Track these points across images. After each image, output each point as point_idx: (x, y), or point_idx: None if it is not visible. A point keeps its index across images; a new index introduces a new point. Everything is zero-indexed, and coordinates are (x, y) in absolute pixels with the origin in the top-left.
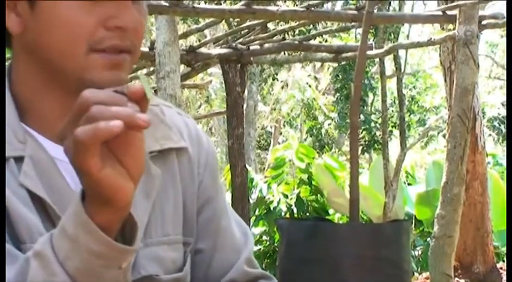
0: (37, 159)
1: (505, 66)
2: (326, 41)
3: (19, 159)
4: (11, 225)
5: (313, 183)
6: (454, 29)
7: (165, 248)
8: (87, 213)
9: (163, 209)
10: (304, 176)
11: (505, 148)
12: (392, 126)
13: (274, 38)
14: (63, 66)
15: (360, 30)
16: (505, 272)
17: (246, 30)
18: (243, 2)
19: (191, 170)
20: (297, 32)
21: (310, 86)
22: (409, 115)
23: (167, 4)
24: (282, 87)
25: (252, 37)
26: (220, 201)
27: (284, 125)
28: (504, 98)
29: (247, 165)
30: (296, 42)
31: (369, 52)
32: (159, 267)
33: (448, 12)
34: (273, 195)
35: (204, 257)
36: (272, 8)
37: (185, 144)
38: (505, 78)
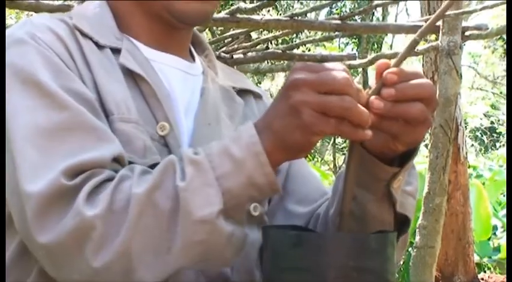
0: (133, 53)
1: (489, 76)
2: (309, 50)
3: (116, 51)
4: (100, 102)
5: None
6: (437, 39)
7: None
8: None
9: None
10: None
11: (486, 160)
12: None
13: (258, 47)
14: None
15: (343, 40)
16: None
17: (230, 39)
18: (226, 11)
19: None
20: (280, 41)
21: None
22: None
23: None
24: None
25: (236, 46)
26: None
27: None
28: (486, 109)
29: None
30: (279, 51)
31: (352, 62)
32: None
33: None
34: None
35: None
36: (256, 17)
37: (261, 93)
38: (487, 89)
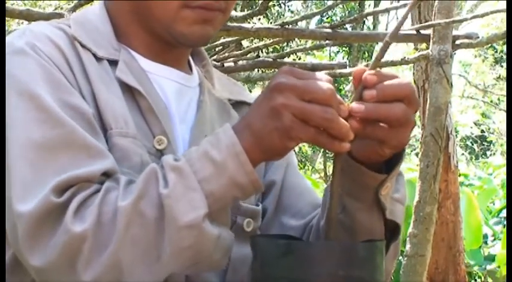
0: (130, 65)
1: (480, 85)
2: (300, 58)
3: (113, 63)
4: (99, 115)
5: None
6: (427, 48)
7: None
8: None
9: None
10: None
11: (476, 169)
12: None
13: (249, 55)
14: (155, 15)
15: (334, 48)
16: None
17: (221, 47)
18: None
19: None
20: (271, 49)
21: None
22: None
23: None
24: None
25: (227, 54)
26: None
27: None
28: (477, 118)
29: None
30: (270, 59)
31: (343, 70)
32: None
33: (422, 32)
34: None
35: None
36: (247, 25)
37: None
38: (478, 98)
